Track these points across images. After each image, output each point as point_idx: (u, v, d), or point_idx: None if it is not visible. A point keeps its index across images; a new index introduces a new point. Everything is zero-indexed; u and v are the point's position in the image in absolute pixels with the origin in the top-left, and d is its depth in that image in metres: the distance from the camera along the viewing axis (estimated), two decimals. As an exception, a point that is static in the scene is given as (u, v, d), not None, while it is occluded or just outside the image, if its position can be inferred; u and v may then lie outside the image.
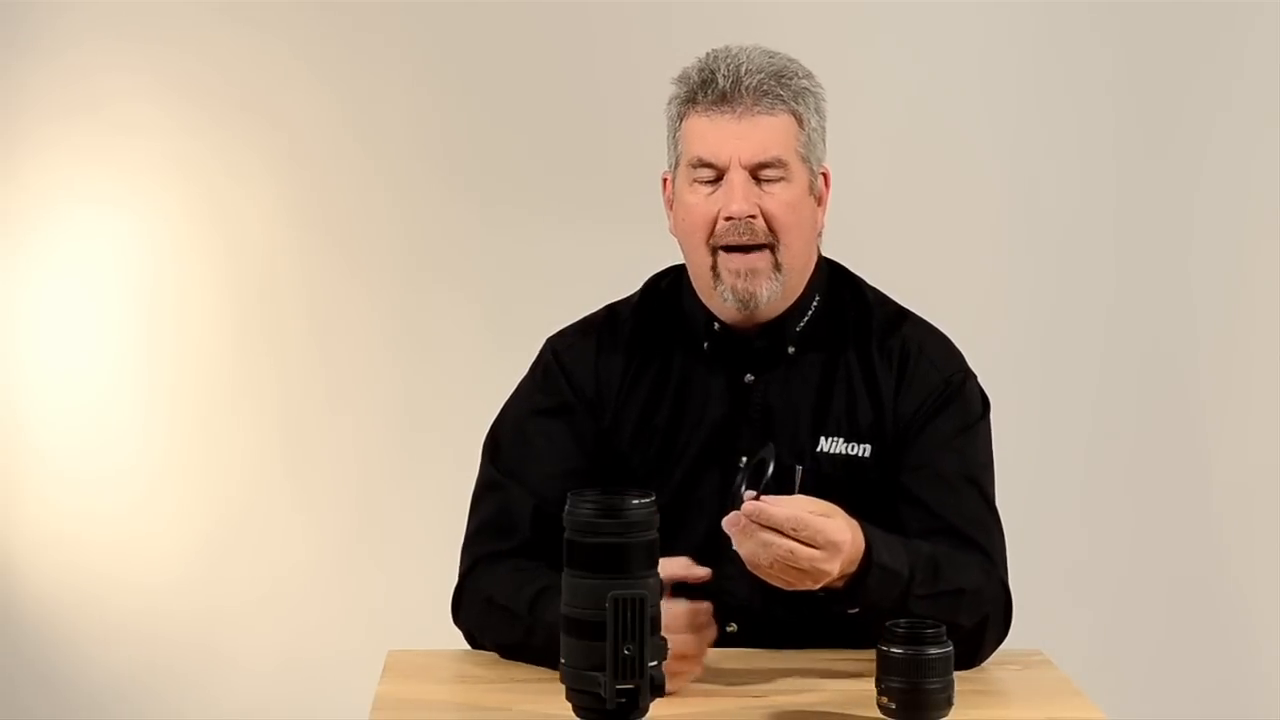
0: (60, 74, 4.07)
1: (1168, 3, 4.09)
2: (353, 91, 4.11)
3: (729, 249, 2.57)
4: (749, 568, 2.35)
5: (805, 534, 2.31)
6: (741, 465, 2.41)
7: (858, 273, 2.74)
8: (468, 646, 2.64)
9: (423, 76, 4.11)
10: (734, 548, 2.34)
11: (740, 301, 2.58)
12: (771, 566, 2.32)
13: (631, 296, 2.74)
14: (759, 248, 2.56)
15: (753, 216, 2.55)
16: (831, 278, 2.71)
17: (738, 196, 2.55)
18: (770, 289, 2.58)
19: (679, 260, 2.71)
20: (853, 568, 2.37)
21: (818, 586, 2.35)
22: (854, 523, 2.37)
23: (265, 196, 4.12)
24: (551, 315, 2.84)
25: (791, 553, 2.30)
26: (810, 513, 2.31)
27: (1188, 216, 4.15)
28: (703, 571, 2.37)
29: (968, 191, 4.15)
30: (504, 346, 3.95)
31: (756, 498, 2.31)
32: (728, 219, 2.55)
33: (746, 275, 2.57)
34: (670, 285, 2.72)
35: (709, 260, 2.58)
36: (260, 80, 4.10)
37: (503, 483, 2.62)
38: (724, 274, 2.58)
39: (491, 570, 2.59)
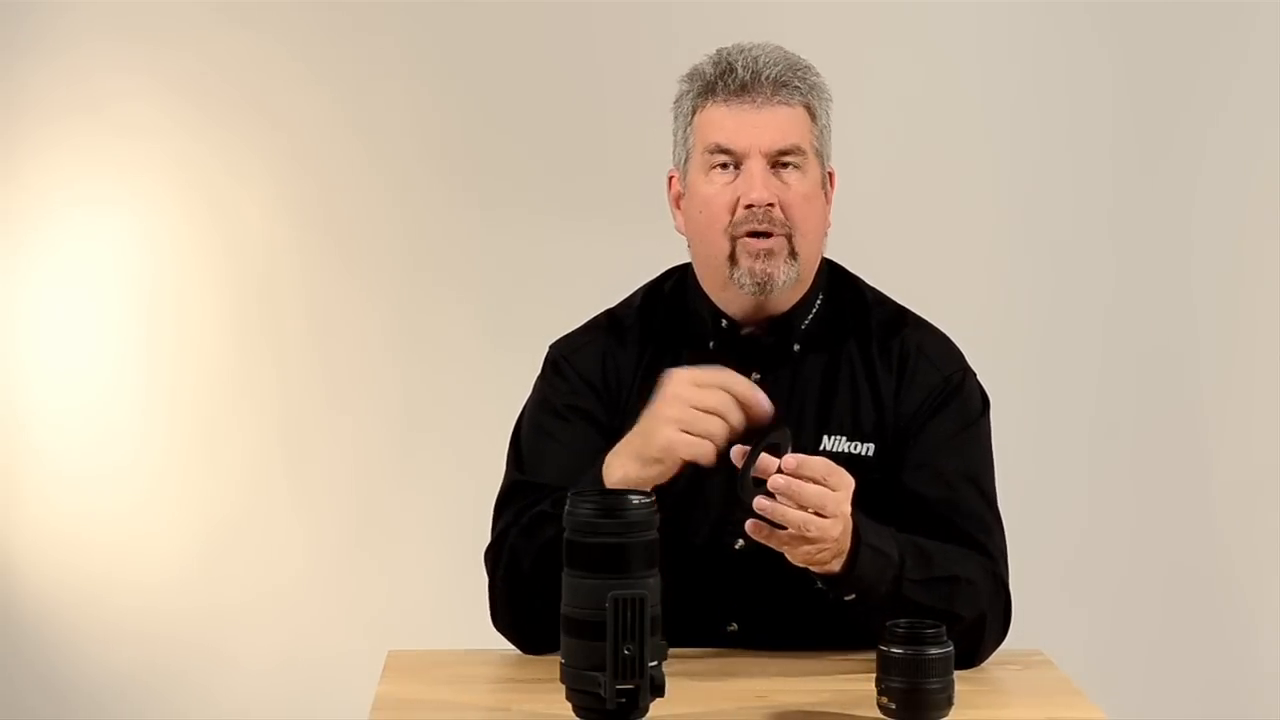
0: (60, 74, 4.07)
1: (1168, 3, 4.10)
2: (353, 91, 4.11)
3: (749, 235, 2.57)
4: (780, 543, 2.34)
5: (833, 479, 2.33)
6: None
7: (859, 273, 2.74)
8: (467, 646, 2.63)
9: (423, 77, 4.11)
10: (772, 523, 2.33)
11: (757, 284, 2.57)
12: (805, 526, 2.32)
13: (631, 299, 2.74)
14: (777, 235, 2.57)
15: (771, 205, 2.56)
16: (831, 277, 2.71)
17: (758, 185, 2.55)
18: (786, 274, 2.58)
19: (679, 260, 2.71)
20: (849, 543, 2.38)
21: (835, 535, 2.35)
22: None
23: (265, 196, 4.13)
24: (552, 316, 2.84)
25: (822, 500, 2.31)
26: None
27: (1188, 216, 4.15)
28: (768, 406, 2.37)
29: (968, 191, 4.15)
30: (503, 347, 3.99)
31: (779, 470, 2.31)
32: (748, 207, 2.56)
33: (764, 257, 2.57)
34: (674, 286, 2.72)
35: (727, 248, 2.58)
36: (260, 80, 4.10)
37: (525, 484, 2.61)
38: (742, 258, 2.57)
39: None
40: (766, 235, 2.56)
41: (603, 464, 2.45)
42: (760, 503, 2.31)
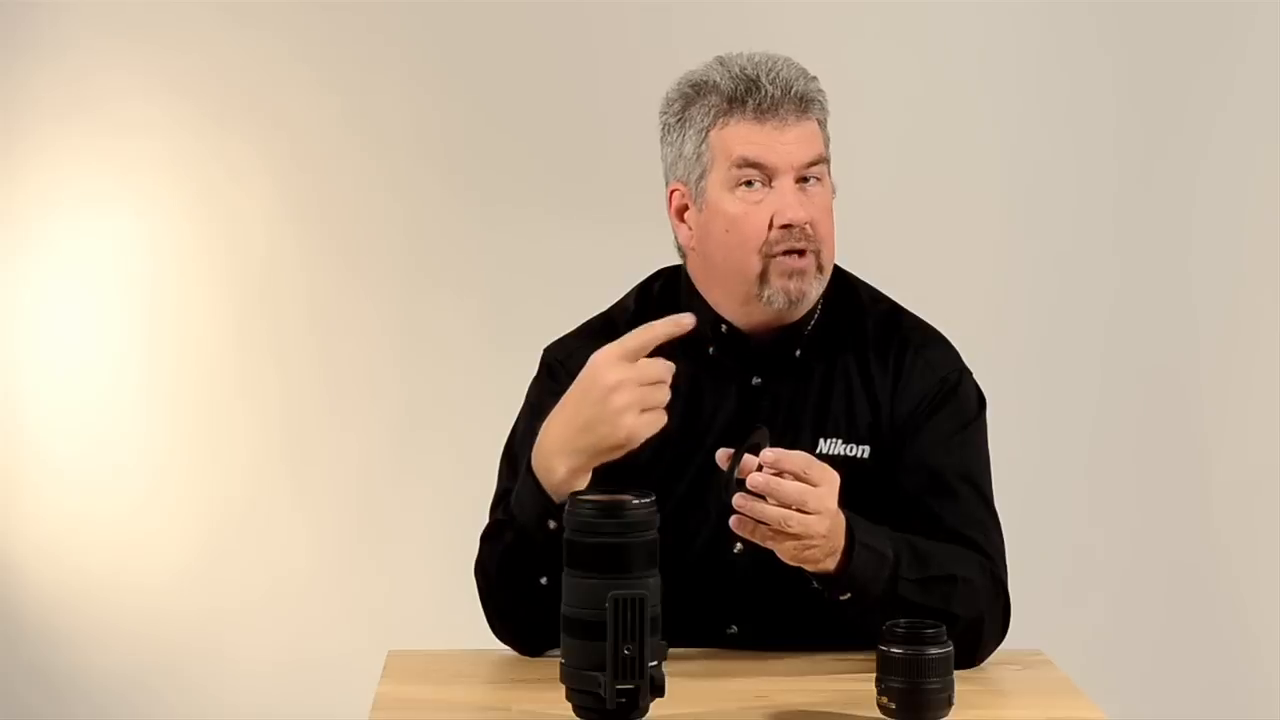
0: (60, 74, 4.07)
1: (1168, 3, 4.10)
2: (353, 91, 4.11)
3: (784, 254, 2.55)
4: (764, 538, 2.34)
5: (813, 473, 2.33)
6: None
7: (861, 273, 2.74)
8: (467, 646, 2.63)
9: (423, 76, 4.12)
10: (753, 525, 2.34)
11: (791, 302, 2.56)
12: (785, 521, 2.32)
13: (624, 302, 2.72)
14: (809, 252, 2.56)
15: (808, 223, 2.55)
16: (830, 280, 2.70)
17: (794, 203, 2.54)
18: (815, 290, 2.58)
19: (679, 260, 2.70)
20: (841, 540, 2.38)
21: (822, 531, 2.35)
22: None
23: (265, 196, 4.13)
24: (552, 315, 2.83)
25: (802, 496, 2.31)
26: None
27: (1188, 216, 4.15)
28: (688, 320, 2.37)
29: (969, 192, 4.15)
30: (504, 346, 3.99)
31: (759, 468, 2.31)
32: (784, 226, 2.54)
33: (797, 276, 2.56)
34: (664, 288, 2.70)
35: (759, 267, 2.55)
36: (260, 80, 4.10)
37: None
38: (774, 277, 2.55)
39: None
40: (801, 254, 2.56)
41: (531, 468, 2.42)
42: (738, 500, 2.32)
